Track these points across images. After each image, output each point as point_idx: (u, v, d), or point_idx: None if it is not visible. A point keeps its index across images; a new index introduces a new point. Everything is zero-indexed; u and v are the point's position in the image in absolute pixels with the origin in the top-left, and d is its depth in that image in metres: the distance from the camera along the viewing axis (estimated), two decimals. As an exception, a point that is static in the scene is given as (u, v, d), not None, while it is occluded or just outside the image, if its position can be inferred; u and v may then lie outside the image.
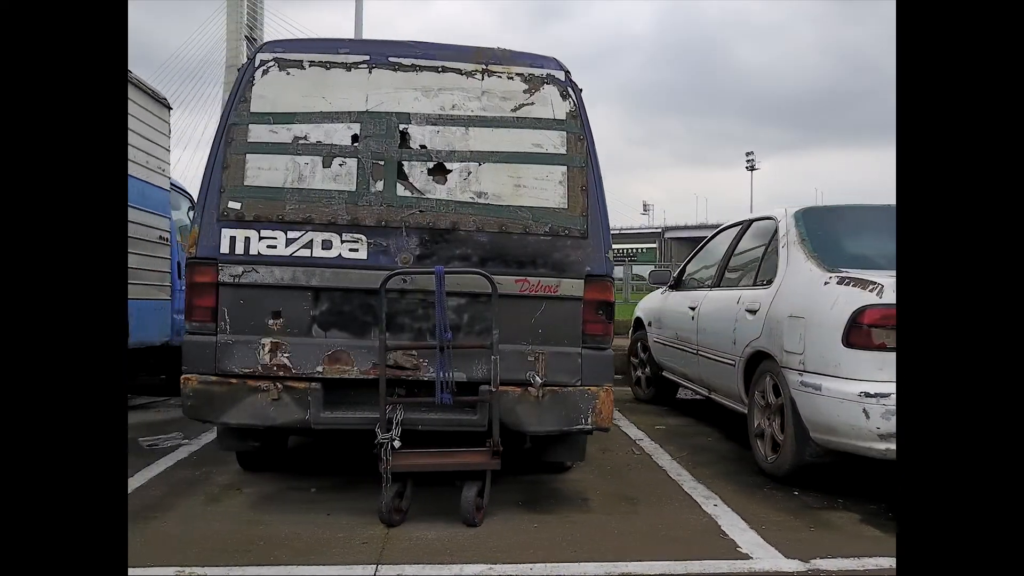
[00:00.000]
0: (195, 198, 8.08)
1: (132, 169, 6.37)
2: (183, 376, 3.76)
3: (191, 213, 7.96)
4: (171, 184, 7.65)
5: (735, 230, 5.94)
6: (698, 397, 7.46)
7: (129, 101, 6.38)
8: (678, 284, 6.80)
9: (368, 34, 17.04)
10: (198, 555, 3.26)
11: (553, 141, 3.91)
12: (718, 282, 5.81)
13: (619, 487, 4.44)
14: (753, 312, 4.77)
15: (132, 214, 6.34)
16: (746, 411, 4.96)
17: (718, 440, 5.77)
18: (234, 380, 3.72)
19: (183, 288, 7.35)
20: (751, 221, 5.75)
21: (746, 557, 3.33)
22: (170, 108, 7.27)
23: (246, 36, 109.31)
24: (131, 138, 6.38)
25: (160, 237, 6.96)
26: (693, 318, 5.89)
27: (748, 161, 62.36)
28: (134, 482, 4.40)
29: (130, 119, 6.38)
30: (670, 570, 3.18)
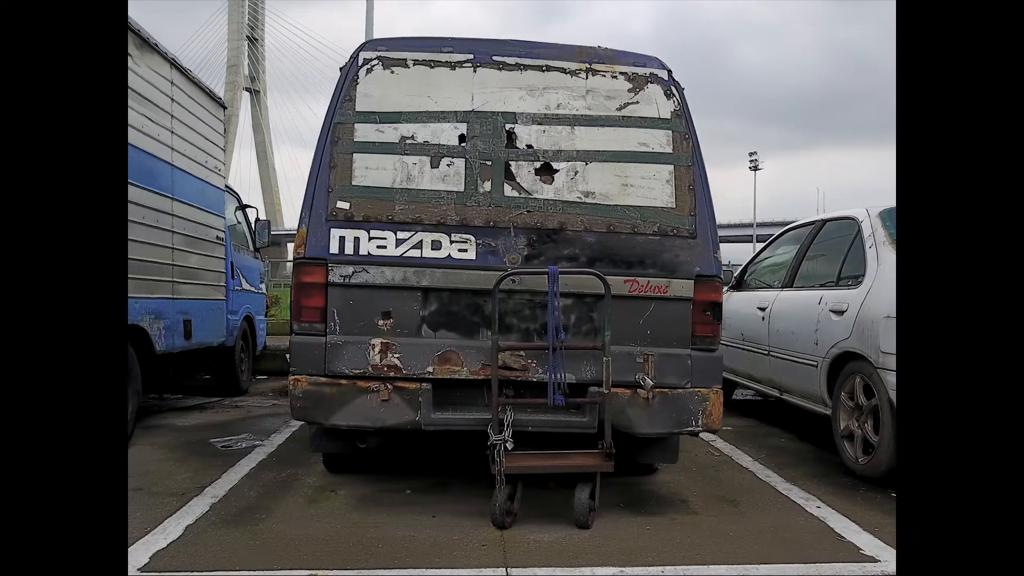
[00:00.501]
0: (241, 198, 8.09)
1: (192, 168, 6.35)
2: (292, 377, 3.72)
3: (238, 213, 7.93)
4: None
5: (806, 230, 5.92)
6: (755, 398, 7.46)
7: (190, 100, 6.35)
8: (740, 284, 6.78)
9: (369, 34, 16.96)
10: (320, 557, 3.23)
11: (659, 140, 3.88)
12: (790, 282, 5.78)
13: (713, 489, 4.42)
14: (840, 313, 4.75)
15: (192, 213, 6.32)
16: (828, 412, 4.94)
17: (791, 441, 5.75)
18: (344, 381, 3.69)
19: (235, 288, 7.37)
20: (824, 221, 5.73)
21: (873, 560, 3.30)
22: (225, 108, 7.24)
23: (247, 36, 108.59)
24: (192, 137, 6.35)
25: (217, 237, 6.93)
26: (763, 319, 5.87)
27: (751, 161, 62.24)
28: (223, 483, 4.36)
29: (191, 118, 6.35)
30: (802, 572, 3.15)
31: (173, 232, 5.88)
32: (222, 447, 5.36)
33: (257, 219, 8.40)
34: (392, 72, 3.86)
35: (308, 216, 3.75)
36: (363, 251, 3.71)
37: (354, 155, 3.77)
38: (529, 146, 3.84)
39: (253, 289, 8.27)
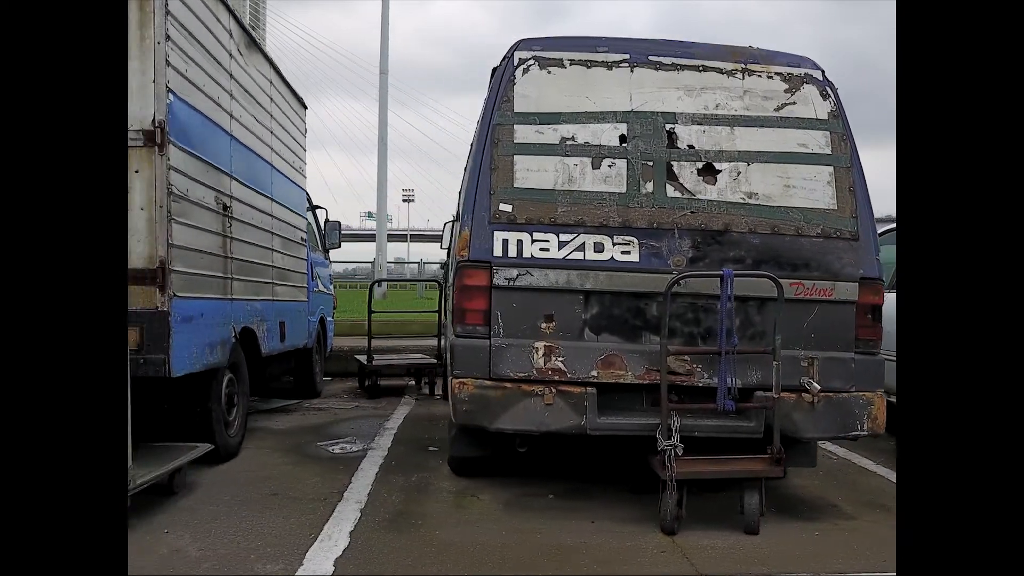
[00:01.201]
0: (310, 197, 8.01)
1: (285, 168, 6.30)
2: (457, 380, 3.67)
3: (309, 213, 7.88)
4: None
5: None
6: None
7: (284, 100, 6.30)
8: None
9: (367, 36, 16.88)
10: (505, 564, 3.19)
11: (817, 141, 3.84)
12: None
13: (854, 493, 4.38)
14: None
15: (285, 214, 6.27)
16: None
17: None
18: (509, 384, 3.64)
19: (313, 290, 7.30)
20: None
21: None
22: (306, 108, 7.18)
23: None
24: (285, 137, 6.30)
25: (301, 238, 6.87)
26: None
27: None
28: (358, 488, 4.30)
29: (284, 118, 6.30)
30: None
31: (272, 234, 5.83)
32: (334, 451, 5.30)
33: (327, 220, 8.34)
34: (549, 72, 3.82)
35: (471, 219, 3.70)
36: (526, 253, 3.66)
37: (515, 157, 3.73)
38: (690, 146, 3.80)
39: (325, 291, 8.22)
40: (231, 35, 4.89)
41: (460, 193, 4.03)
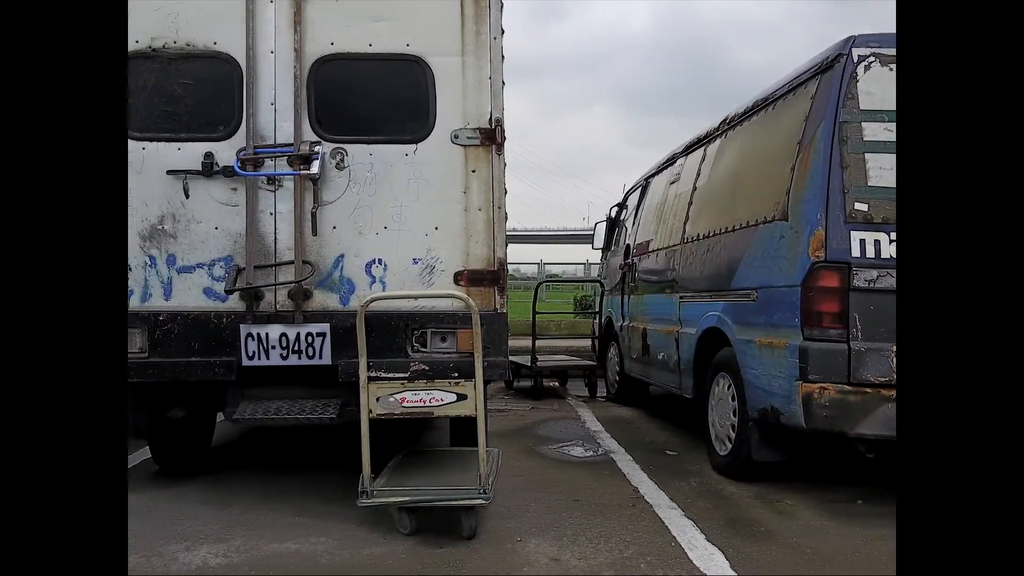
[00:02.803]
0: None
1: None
2: (817, 385, 3.58)
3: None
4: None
5: None
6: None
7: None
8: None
9: None
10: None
11: None
12: None
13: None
14: None
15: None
16: None
17: None
18: (869, 389, 3.56)
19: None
20: None
21: None
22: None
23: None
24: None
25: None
26: None
27: (765, 162, 62.44)
28: (660, 495, 4.20)
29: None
30: None
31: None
32: (574, 453, 5.22)
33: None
34: (891, 69, 3.74)
35: (824, 218, 3.62)
36: (885, 254, 3.58)
37: (866, 155, 3.64)
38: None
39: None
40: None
41: (789, 192, 3.92)
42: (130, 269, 3.68)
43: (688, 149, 5.99)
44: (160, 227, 3.69)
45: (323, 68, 3.71)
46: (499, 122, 3.71)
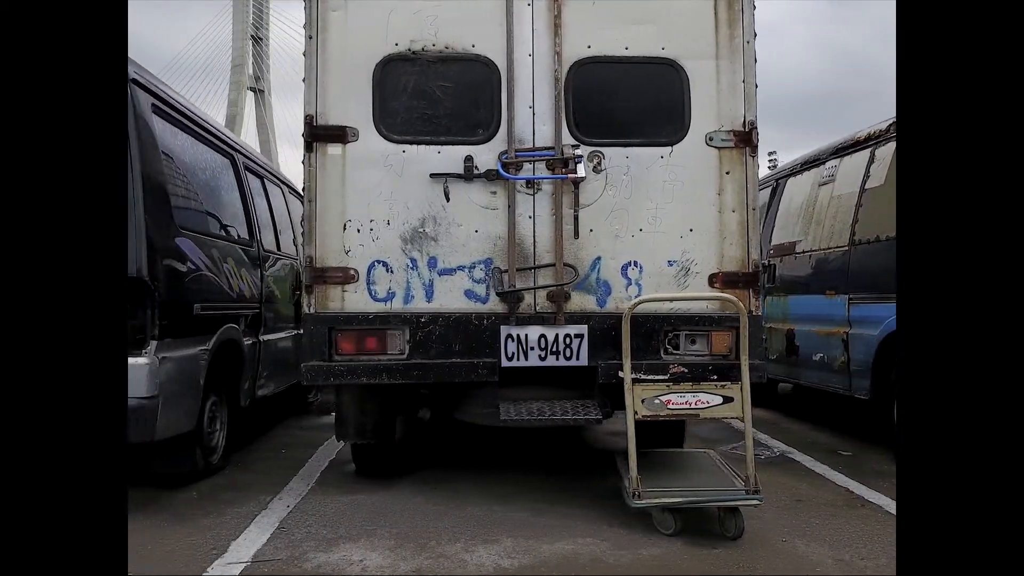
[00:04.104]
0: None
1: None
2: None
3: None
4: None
5: None
6: None
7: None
8: None
9: None
10: None
11: None
12: None
13: None
14: None
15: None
16: None
17: None
18: None
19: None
20: None
21: None
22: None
23: (252, 36, 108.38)
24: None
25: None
26: None
27: (771, 160, 62.62)
28: (875, 496, 4.24)
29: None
30: None
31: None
32: (757, 456, 5.24)
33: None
34: None
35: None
36: None
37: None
38: None
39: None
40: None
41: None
42: (392, 271, 3.70)
43: (841, 151, 6.02)
44: (421, 230, 3.70)
45: (580, 71, 3.74)
46: (753, 124, 3.74)
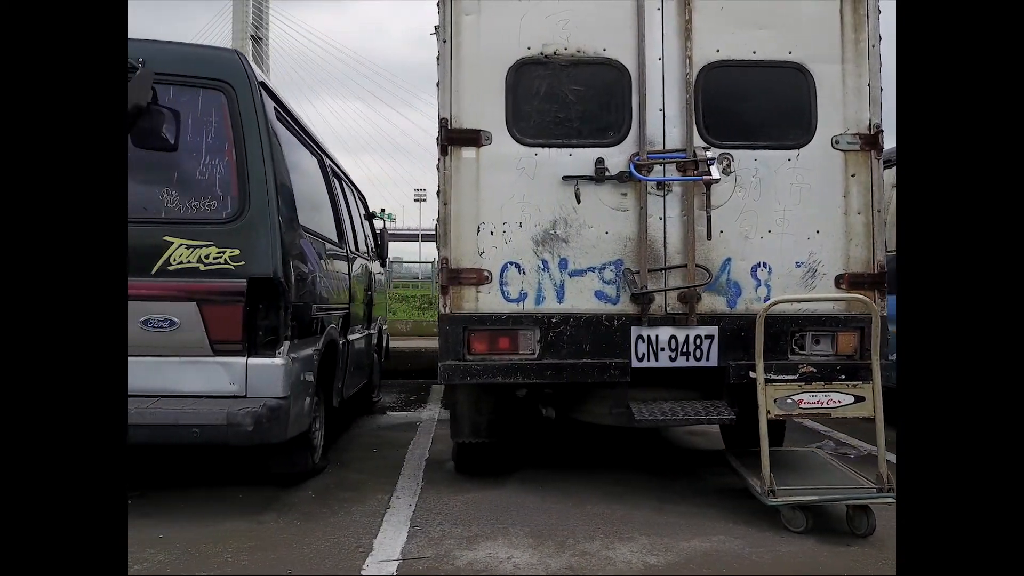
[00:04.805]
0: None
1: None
2: None
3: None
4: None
5: None
6: None
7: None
8: None
9: (361, 37, 16.80)
10: None
11: None
12: None
13: None
14: None
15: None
16: None
17: None
18: None
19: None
20: None
21: None
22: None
23: (252, 35, 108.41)
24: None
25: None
26: None
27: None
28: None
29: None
30: None
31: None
32: (857, 453, 5.30)
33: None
34: None
35: None
36: None
37: None
38: None
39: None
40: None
41: None
42: (524, 273, 3.74)
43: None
44: (553, 232, 3.74)
45: (710, 75, 3.79)
46: (879, 128, 3.79)
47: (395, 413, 7.10)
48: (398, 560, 3.24)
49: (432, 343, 9.93)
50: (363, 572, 3.12)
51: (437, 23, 3.79)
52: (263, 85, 3.85)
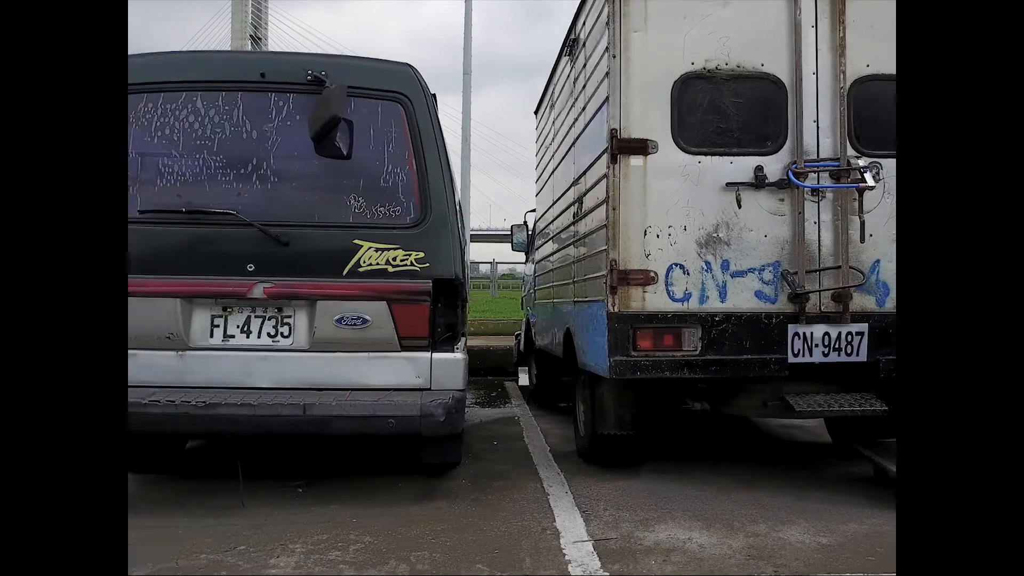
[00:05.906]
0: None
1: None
2: None
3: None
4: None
5: None
6: None
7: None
8: None
9: (358, 37, 16.77)
10: None
11: None
12: None
13: None
14: None
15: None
16: None
17: None
18: None
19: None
20: None
21: None
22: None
23: (251, 35, 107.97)
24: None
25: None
26: None
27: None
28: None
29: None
30: None
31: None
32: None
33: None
34: None
35: None
36: None
37: None
38: None
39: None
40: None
41: None
42: (688, 274, 3.99)
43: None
44: (715, 235, 3.99)
45: (860, 88, 4.04)
46: (1019, 137, 4.04)
47: (486, 409, 7.34)
48: (590, 540, 3.47)
49: (497, 342, 10.25)
50: (564, 551, 3.35)
51: (607, 42, 4.04)
52: (434, 96, 4.08)
